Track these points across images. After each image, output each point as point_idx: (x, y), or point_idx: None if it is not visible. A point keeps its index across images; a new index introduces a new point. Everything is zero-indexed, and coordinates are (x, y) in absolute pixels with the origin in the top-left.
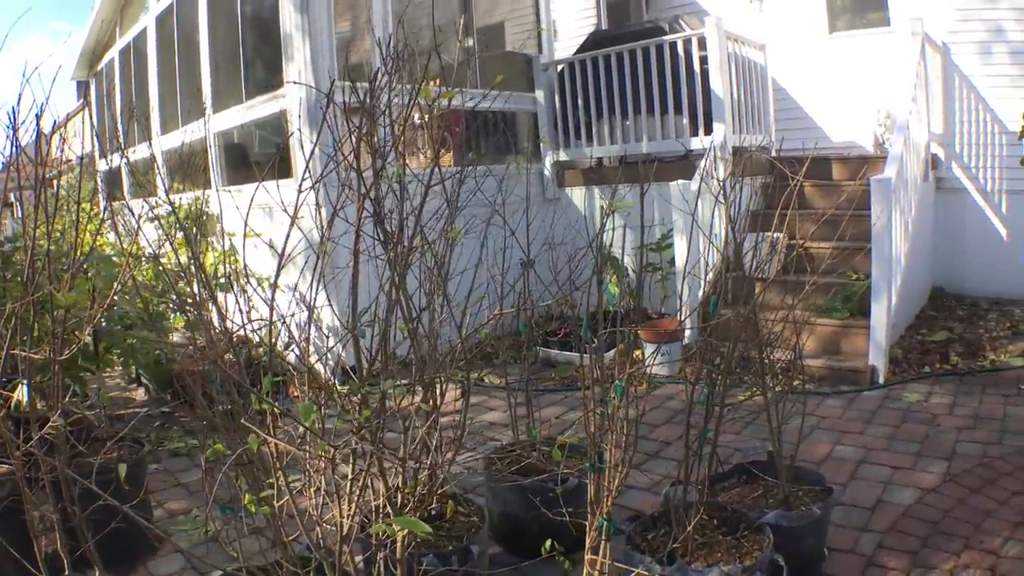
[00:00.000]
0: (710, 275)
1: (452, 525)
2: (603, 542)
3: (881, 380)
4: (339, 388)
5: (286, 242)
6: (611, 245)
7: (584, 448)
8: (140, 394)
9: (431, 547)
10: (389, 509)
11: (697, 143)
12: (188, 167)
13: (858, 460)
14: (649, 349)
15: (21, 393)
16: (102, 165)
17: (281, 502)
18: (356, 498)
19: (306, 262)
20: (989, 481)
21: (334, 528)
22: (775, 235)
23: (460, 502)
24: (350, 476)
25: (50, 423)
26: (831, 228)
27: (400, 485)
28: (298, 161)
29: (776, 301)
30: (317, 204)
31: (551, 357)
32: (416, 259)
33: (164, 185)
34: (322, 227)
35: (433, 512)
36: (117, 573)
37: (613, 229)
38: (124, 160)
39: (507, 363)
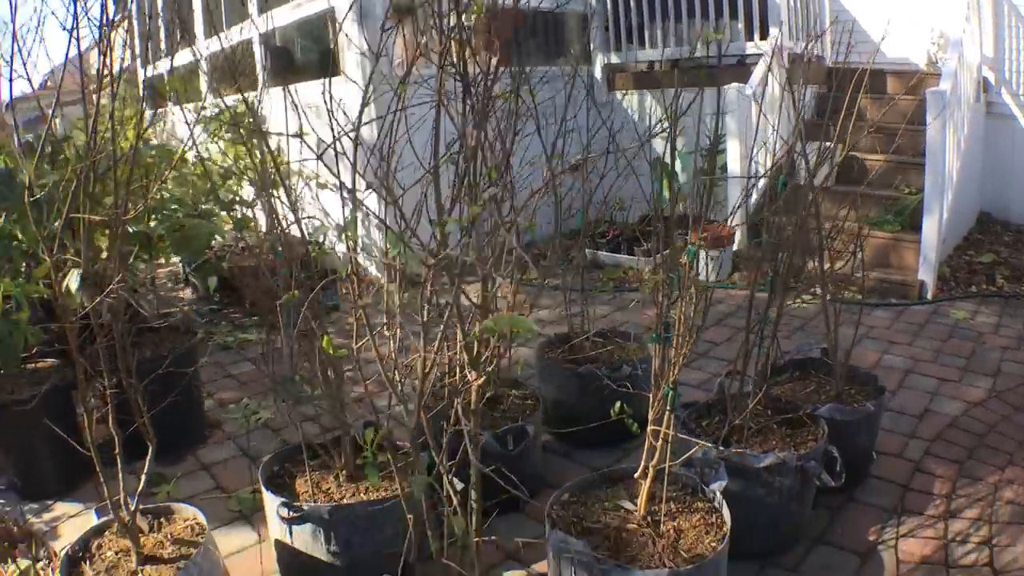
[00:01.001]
0: (763, 182)
1: (507, 408)
2: (668, 412)
3: (929, 296)
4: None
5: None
6: (664, 151)
7: (640, 337)
8: (188, 293)
9: (488, 427)
10: (465, 356)
11: (752, 48)
12: (233, 69)
13: (906, 370)
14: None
15: (72, 280)
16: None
17: (361, 342)
18: (437, 338)
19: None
20: None
21: (412, 378)
22: (829, 144)
23: (516, 386)
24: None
25: (109, 288)
26: (885, 141)
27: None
28: (347, 59)
29: (829, 211)
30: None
31: (599, 259)
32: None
33: (208, 89)
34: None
35: (489, 395)
36: (167, 462)
37: (664, 133)
38: (170, 65)
39: (556, 264)
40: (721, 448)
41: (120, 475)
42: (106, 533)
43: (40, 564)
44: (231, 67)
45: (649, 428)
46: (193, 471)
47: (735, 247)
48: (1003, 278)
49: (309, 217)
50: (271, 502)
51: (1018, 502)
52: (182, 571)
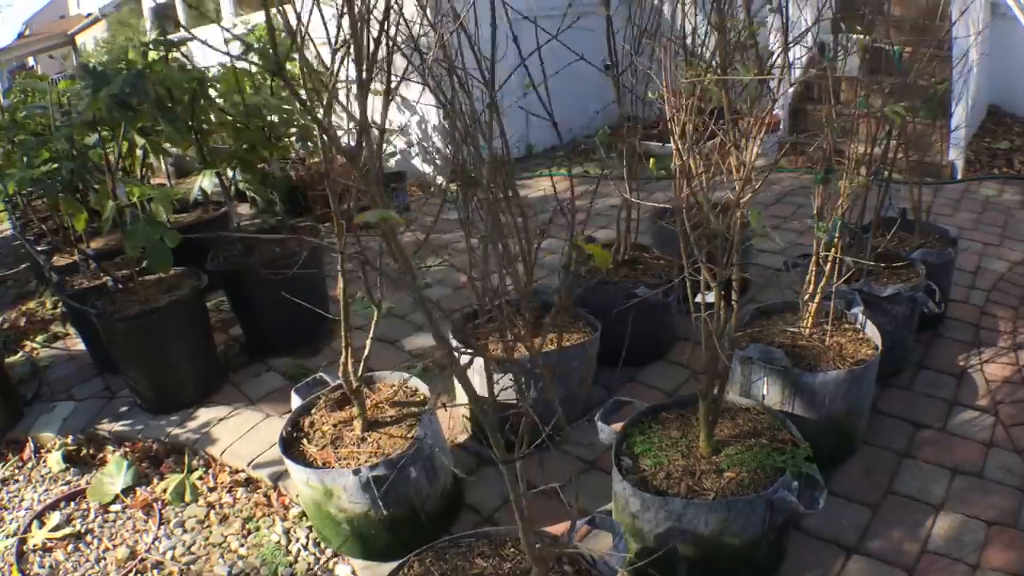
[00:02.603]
0: (799, 72)
1: (646, 267)
2: (836, 239)
3: (959, 176)
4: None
5: None
6: (703, 45)
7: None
8: (244, 208)
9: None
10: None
11: None
12: None
13: (953, 236)
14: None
15: (206, 180)
16: (150, 1)
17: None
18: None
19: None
20: None
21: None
22: (858, 36)
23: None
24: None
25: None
26: (911, 33)
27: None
28: None
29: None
30: None
31: (651, 150)
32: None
33: (232, 6)
34: None
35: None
36: (303, 355)
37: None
38: None
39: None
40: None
41: (345, 343)
42: (312, 411)
43: (197, 474)
44: None
45: (815, 256)
46: (335, 360)
47: (779, 133)
48: (1020, 163)
49: (371, 124)
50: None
51: None
52: (418, 430)
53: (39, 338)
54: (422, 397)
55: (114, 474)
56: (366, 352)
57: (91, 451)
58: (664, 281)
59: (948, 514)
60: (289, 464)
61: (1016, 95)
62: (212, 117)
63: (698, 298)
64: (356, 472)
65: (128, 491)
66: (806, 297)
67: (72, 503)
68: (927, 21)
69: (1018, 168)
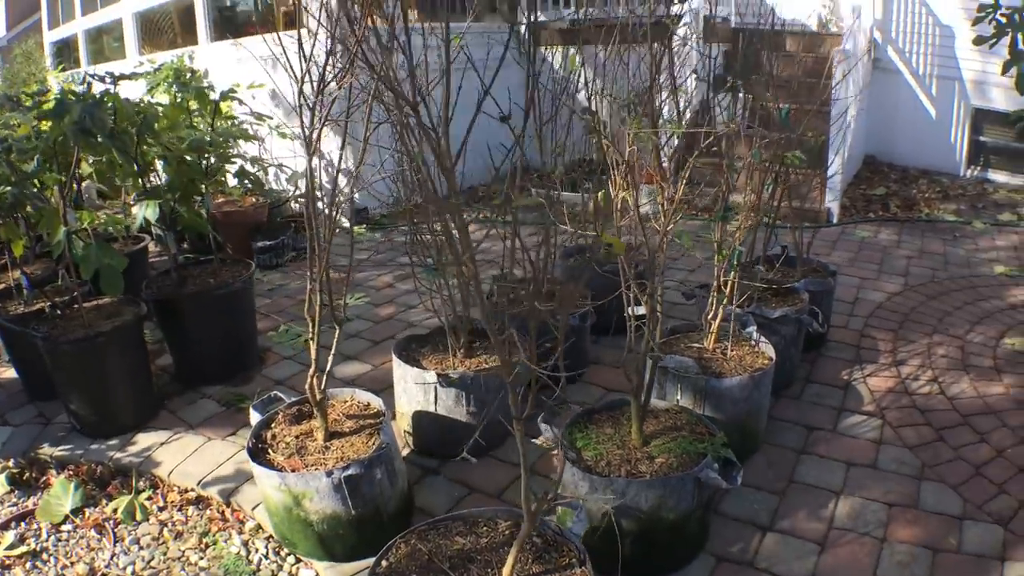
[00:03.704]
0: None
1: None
2: (735, 267)
3: (835, 220)
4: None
5: None
6: (590, 101)
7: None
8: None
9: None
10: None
11: (672, 9)
12: (166, 26)
13: (833, 269)
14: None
15: (149, 210)
16: (52, 36)
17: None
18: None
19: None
20: (942, 293)
21: None
22: (741, 95)
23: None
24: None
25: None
26: (786, 92)
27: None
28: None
29: (744, 151)
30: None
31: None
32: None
33: (137, 46)
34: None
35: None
36: (236, 384)
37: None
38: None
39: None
40: (744, 307)
41: (314, 357)
42: (272, 425)
43: (145, 494)
44: (160, 24)
45: (716, 282)
46: (268, 386)
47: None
48: (896, 207)
49: (278, 165)
50: (408, 375)
51: (950, 356)
52: (381, 437)
53: None
54: (375, 410)
55: (61, 496)
56: (328, 366)
57: (34, 474)
58: (579, 310)
59: (849, 498)
60: (260, 471)
61: (894, 145)
62: (153, 149)
63: (630, 311)
64: (329, 474)
65: (77, 511)
66: (709, 316)
67: (23, 523)
68: (812, 80)
69: (894, 212)
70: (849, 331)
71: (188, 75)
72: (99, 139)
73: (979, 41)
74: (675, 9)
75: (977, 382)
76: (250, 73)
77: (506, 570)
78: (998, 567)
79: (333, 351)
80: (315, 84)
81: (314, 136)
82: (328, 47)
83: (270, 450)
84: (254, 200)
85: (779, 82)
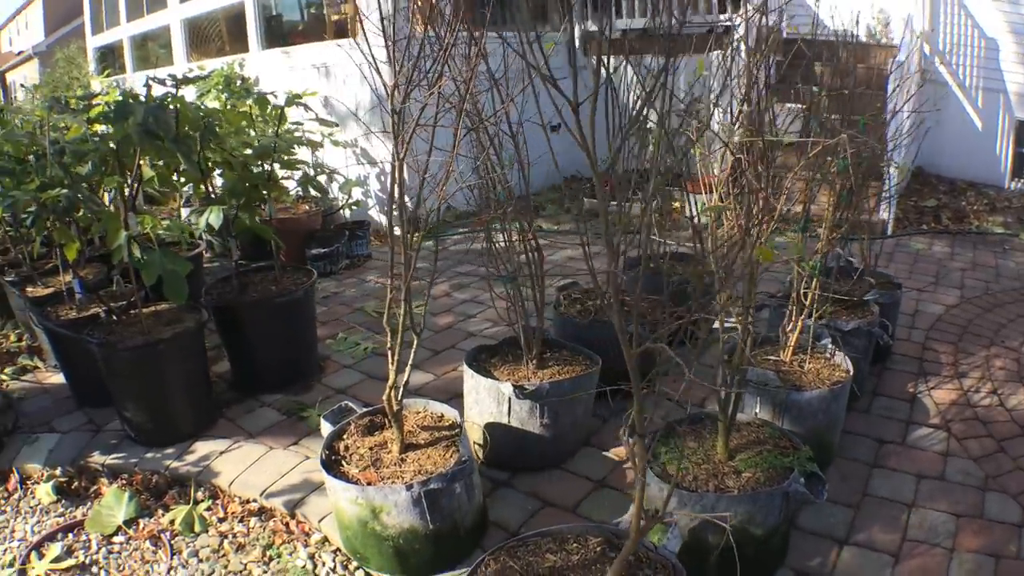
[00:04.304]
0: (738, 137)
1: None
2: (816, 278)
3: (890, 231)
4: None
5: None
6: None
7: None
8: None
9: None
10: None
11: (722, 18)
12: (213, 33)
13: (898, 281)
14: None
15: (213, 216)
16: (96, 41)
17: None
18: None
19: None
20: (997, 305)
21: None
22: (793, 106)
23: None
24: None
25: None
26: (841, 103)
27: None
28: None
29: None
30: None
31: (596, 207)
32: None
33: (185, 52)
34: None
35: None
36: (296, 392)
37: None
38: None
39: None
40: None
41: (394, 367)
42: (344, 436)
43: (204, 505)
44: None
45: (796, 294)
46: (330, 395)
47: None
48: (948, 219)
49: (332, 171)
50: (481, 385)
51: (1007, 368)
52: (460, 450)
53: (7, 371)
54: (450, 421)
55: (113, 506)
56: (406, 378)
57: (83, 483)
58: (650, 320)
59: (919, 510)
60: (336, 483)
61: (943, 156)
62: (216, 154)
63: (719, 324)
64: (409, 487)
65: (131, 522)
66: (788, 329)
67: (70, 534)
68: (868, 91)
69: (945, 224)
70: (912, 343)
71: (239, 82)
72: (164, 142)
73: None
74: (733, 19)
75: None
76: (301, 80)
77: None
78: None
79: (411, 363)
80: (403, 90)
81: (400, 143)
82: (416, 53)
83: (343, 462)
84: (307, 208)
85: (833, 92)
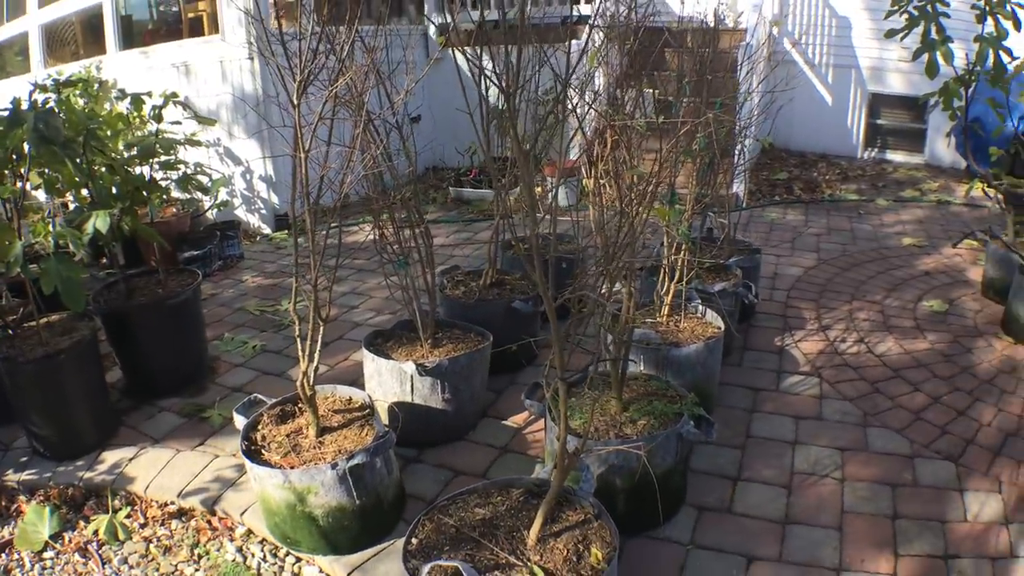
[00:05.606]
0: (594, 123)
1: (513, 287)
2: (685, 246)
3: (743, 204)
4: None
5: None
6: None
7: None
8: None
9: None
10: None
11: (574, 11)
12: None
13: (757, 247)
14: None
15: (100, 221)
16: None
17: None
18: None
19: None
20: (855, 265)
21: None
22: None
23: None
24: None
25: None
26: (699, 87)
27: None
28: (226, 19)
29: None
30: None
31: (463, 195)
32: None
33: (42, 59)
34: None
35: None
36: (191, 395)
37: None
38: None
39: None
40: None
41: (306, 355)
42: (259, 427)
43: (123, 512)
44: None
45: (668, 259)
46: (227, 395)
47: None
48: (800, 189)
49: (198, 170)
50: (383, 367)
51: (872, 319)
52: (376, 427)
53: None
54: (360, 403)
55: (36, 522)
56: (315, 364)
57: (3, 502)
58: (530, 296)
59: (803, 447)
60: (261, 471)
61: (791, 133)
62: (99, 157)
63: (606, 289)
64: (334, 466)
65: (56, 537)
66: (663, 292)
67: (3, 554)
68: (718, 75)
69: (797, 194)
70: (775, 303)
71: (96, 85)
72: (56, 148)
73: (891, 34)
74: (583, 9)
75: (902, 340)
76: (160, 81)
77: (535, 527)
78: (958, 497)
79: (319, 347)
80: (300, 84)
81: (303, 137)
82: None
83: (263, 450)
84: (174, 210)
85: (681, 76)
